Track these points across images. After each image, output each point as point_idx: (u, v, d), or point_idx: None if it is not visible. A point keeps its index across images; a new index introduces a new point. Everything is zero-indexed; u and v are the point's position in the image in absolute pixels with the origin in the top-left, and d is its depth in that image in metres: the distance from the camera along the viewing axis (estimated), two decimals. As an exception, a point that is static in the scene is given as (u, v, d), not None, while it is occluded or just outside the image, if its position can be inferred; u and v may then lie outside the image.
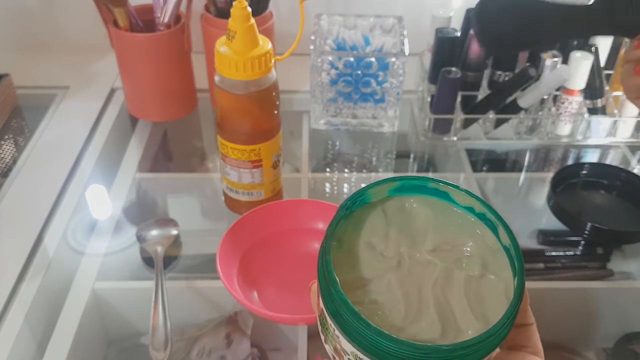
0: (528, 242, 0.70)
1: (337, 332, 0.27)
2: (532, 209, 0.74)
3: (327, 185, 0.75)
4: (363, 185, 0.75)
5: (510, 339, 0.31)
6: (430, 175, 0.79)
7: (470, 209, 0.31)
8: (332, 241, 0.29)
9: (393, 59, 0.75)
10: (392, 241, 0.30)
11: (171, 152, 0.84)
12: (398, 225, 0.31)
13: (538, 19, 0.33)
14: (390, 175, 0.78)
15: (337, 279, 0.27)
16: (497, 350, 0.27)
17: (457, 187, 0.31)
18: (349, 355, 0.27)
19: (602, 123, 0.79)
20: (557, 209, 0.68)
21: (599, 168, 0.73)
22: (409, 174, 0.81)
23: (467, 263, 0.29)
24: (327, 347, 0.29)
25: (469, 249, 0.30)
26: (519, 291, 0.27)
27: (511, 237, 0.29)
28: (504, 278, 0.29)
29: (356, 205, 0.31)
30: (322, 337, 0.29)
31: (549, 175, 0.75)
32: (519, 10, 0.32)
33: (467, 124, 0.80)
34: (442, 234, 0.31)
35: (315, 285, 0.30)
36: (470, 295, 0.28)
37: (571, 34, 0.37)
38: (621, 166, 0.75)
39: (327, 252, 0.28)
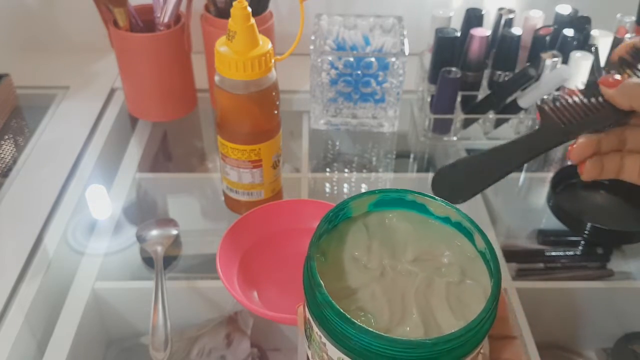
0: (528, 242, 0.70)
1: (323, 339, 0.27)
2: (532, 209, 0.74)
3: (327, 185, 0.75)
4: (363, 185, 0.76)
5: (495, 352, 0.32)
6: (429, 175, 0.80)
7: (447, 219, 0.33)
8: (316, 250, 0.30)
9: (393, 59, 0.75)
10: (375, 254, 0.32)
11: (171, 152, 0.84)
12: (379, 238, 0.33)
13: (485, 169, 0.41)
14: (390, 175, 0.78)
15: (322, 282, 0.28)
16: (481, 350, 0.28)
17: (433, 197, 0.33)
18: None
19: (602, 123, 0.79)
20: (557, 209, 0.68)
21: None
22: (408, 174, 0.81)
23: (446, 271, 0.31)
24: None
25: (447, 259, 0.32)
26: (496, 289, 0.28)
27: (486, 242, 0.31)
28: (482, 282, 0.30)
29: (339, 219, 0.33)
30: (309, 353, 0.30)
31: (549, 175, 0.75)
32: (467, 168, 0.40)
33: (467, 124, 0.80)
34: (421, 245, 0.32)
35: (301, 309, 0.32)
36: (450, 299, 0.30)
37: (518, 164, 0.43)
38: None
39: (311, 259, 0.29)
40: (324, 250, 0.31)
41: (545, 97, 0.47)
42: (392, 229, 0.33)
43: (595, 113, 0.42)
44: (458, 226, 0.33)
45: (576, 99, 0.43)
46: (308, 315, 0.29)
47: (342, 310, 0.26)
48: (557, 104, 0.44)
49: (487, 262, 0.31)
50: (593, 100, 0.43)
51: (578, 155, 0.42)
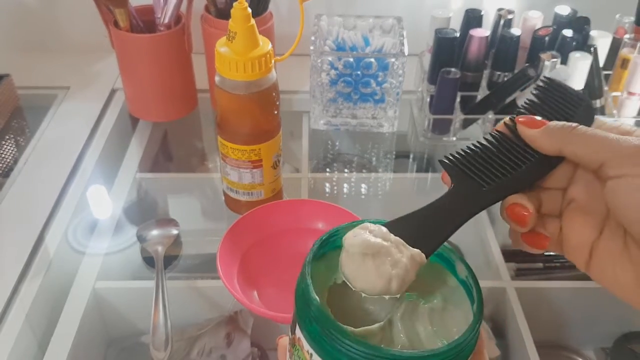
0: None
1: (314, 356, 0.28)
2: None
3: (327, 185, 0.75)
4: (363, 185, 0.76)
5: None
6: (429, 175, 0.80)
7: None
8: (309, 270, 0.30)
9: (392, 60, 0.75)
10: None
11: (171, 152, 0.84)
12: None
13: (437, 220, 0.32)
14: (390, 175, 0.79)
15: (317, 297, 0.28)
16: None
17: None
18: None
19: (601, 123, 0.79)
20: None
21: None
22: (408, 174, 0.81)
23: (430, 298, 0.32)
24: None
25: (430, 288, 0.32)
26: (479, 313, 0.29)
27: (468, 270, 0.31)
28: (464, 309, 0.31)
29: (327, 248, 0.33)
30: None
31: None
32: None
33: (466, 124, 0.80)
34: None
35: (282, 340, 0.32)
36: (435, 323, 0.30)
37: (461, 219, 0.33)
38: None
39: (305, 277, 0.29)
40: (313, 277, 0.30)
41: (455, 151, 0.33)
42: None
43: (520, 163, 0.32)
44: (439, 256, 0.33)
45: (486, 143, 0.34)
46: (298, 335, 0.29)
47: (335, 320, 0.27)
48: (465, 154, 0.34)
49: (468, 290, 0.31)
50: (506, 145, 0.33)
51: (517, 214, 0.32)
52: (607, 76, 0.81)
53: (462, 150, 0.34)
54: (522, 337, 0.56)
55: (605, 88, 0.79)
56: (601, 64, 0.78)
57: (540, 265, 0.66)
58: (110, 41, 0.77)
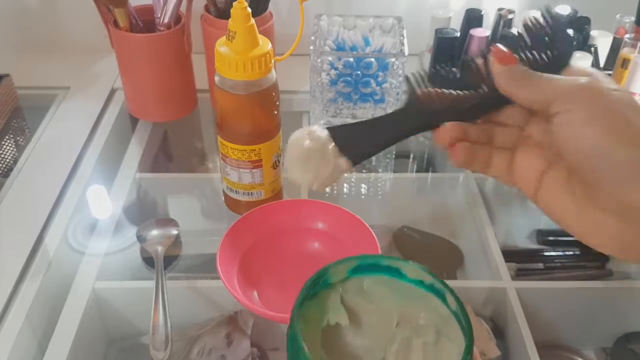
0: (528, 242, 0.70)
1: None
2: (531, 208, 0.74)
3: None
4: (363, 185, 0.76)
5: None
6: (429, 175, 0.80)
7: (420, 282, 0.34)
8: (298, 317, 0.31)
9: (393, 60, 0.75)
10: (354, 318, 0.34)
11: (171, 152, 0.84)
12: (357, 304, 0.34)
13: (375, 132, 0.36)
14: (390, 175, 0.79)
15: (305, 345, 0.29)
16: None
17: (406, 261, 0.34)
18: None
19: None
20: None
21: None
22: (408, 174, 0.81)
23: (423, 332, 0.33)
24: None
25: (422, 321, 0.33)
26: (469, 345, 0.30)
27: (458, 302, 0.32)
28: (457, 340, 0.32)
29: (319, 287, 0.34)
30: None
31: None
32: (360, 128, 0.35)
33: (466, 124, 0.80)
34: (398, 308, 0.34)
35: None
36: (428, 357, 0.32)
37: (404, 132, 0.37)
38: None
39: (295, 325, 0.30)
40: (305, 316, 0.32)
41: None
42: (370, 294, 0.35)
43: (470, 95, 0.35)
44: (431, 288, 0.34)
45: (456, 71, 0.36)
46: None
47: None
48: (430, 75, 0.36)
49: (459, 321, 0.32)
50: (471, 76, 0.36)
51: (443, 136, 0.37)
52: (607, 76, 0.81)
53: (432, 68, 0.35)
54: (522, 337, 0.56)
55: (606, 88, 0.79)
56: (602, 64, 0.78)
57: (541, 265, 0.66)
58: (109, 41, 0.77)
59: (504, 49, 0.34)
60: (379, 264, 0.35)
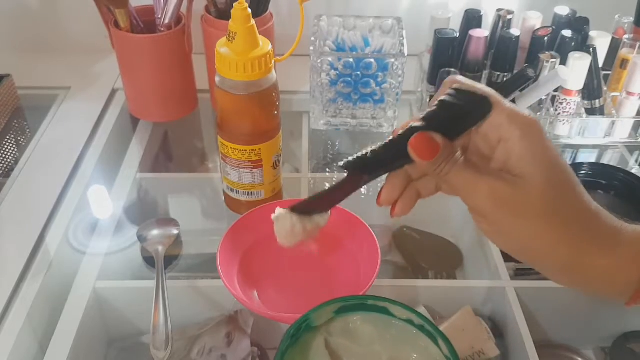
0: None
1: None
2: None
3: (327, 185, 0.75)
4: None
5: None
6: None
7: (410, 322, 0.34)
8: None
9: (392, 60, 0.75)
10: None
11: (172, 152, 0.84)
12: (343, 347, 0.34)
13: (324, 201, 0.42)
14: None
15: None
16: None
17: (394, 302, 0.34)
18: None
19: (600, 123, 0.80)
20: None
21: (597, 168, 0.74)
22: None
23: None
24: None
25: None
26: None
27: (449, 348, 0.31)
28: None
29: (301, 332, 0.33)
30: None
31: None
32: None
33: (466, 124, 0.80)
34: (386, 349, 0.33)
35: None
36: None
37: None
38: (619, 166, 0.75)
39: None
40: None
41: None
42: (356, 334, 0.34)
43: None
44: (421, 329, 0.33)
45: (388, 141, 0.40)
46: None
47: None
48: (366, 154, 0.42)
49: None
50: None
51: (384, 202, 0.40)
52: (606, 76, 0.81)
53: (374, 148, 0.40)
54: (522, 337, 0.56)
55: (605, 88, 0.79)
56: (600, 64, 0.78)
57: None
58: (110, 42, 0.77)
59: (421, 146, 0.36)
60: (364, 304, 0.35)
